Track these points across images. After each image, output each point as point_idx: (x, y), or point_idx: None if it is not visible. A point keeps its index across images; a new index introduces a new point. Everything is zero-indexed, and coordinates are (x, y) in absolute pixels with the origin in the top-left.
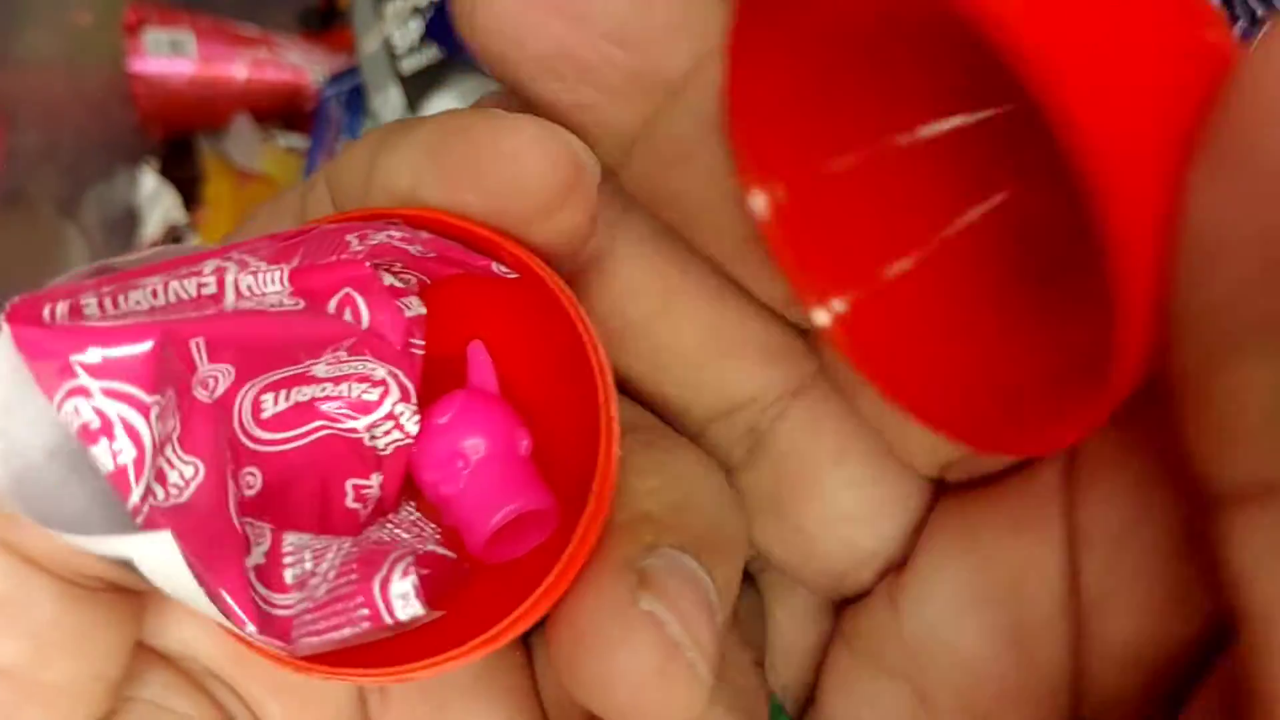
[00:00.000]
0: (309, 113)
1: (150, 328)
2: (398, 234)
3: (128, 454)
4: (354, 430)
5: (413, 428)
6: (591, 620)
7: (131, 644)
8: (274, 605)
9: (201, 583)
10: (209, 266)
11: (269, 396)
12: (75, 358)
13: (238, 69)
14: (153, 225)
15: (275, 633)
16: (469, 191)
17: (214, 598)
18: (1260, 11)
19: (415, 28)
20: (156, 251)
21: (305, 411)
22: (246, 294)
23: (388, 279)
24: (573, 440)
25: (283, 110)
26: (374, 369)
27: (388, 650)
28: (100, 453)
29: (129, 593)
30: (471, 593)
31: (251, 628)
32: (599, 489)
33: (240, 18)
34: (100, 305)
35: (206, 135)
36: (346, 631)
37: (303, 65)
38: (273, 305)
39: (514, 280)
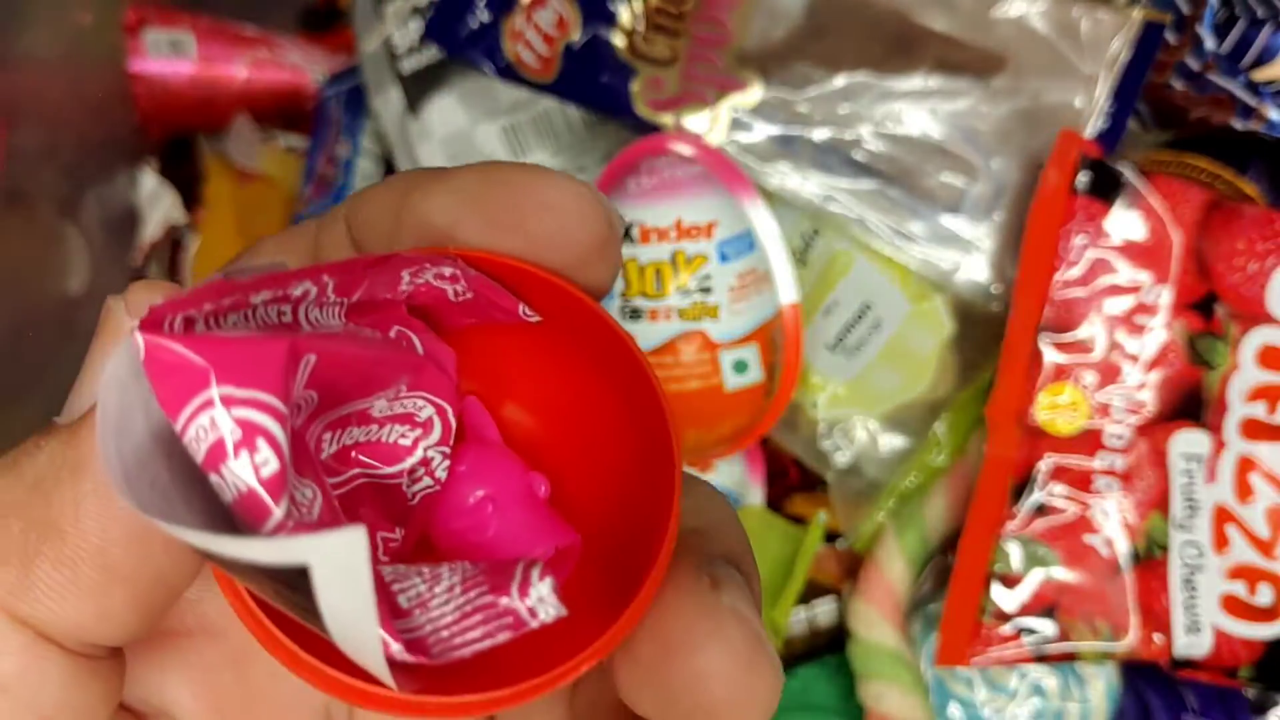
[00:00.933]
0: (309, 113)
1: (278, 339)
2: (448, 271)
3: (272, 465)
4: (394, 476)
5: (442, 474)
6: (679, 622)
7: (117, 706)
8: (404, 629)
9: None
10: (298, 289)
11: (329, 435)
12: (210, 367)
13: (238, 69)
14: (153, 225)
15: (418, 651)
16: (511, 238)
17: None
18: (1260, 12)
19: (415, 28)
20: (264, 265)
21: (345, 457)
22: (315, 324)
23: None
24: (594, 474)
25: (283, 110)
26: (422, 408)
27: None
28: (241, 467)
29: (121, 658)
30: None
31: (398, 646)
32: (674, 512)
33: (240, 18)
34: (205, 323)
35: (206, 135)
36: (486, 642)
37: (303, 65)
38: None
39: (526, 325)
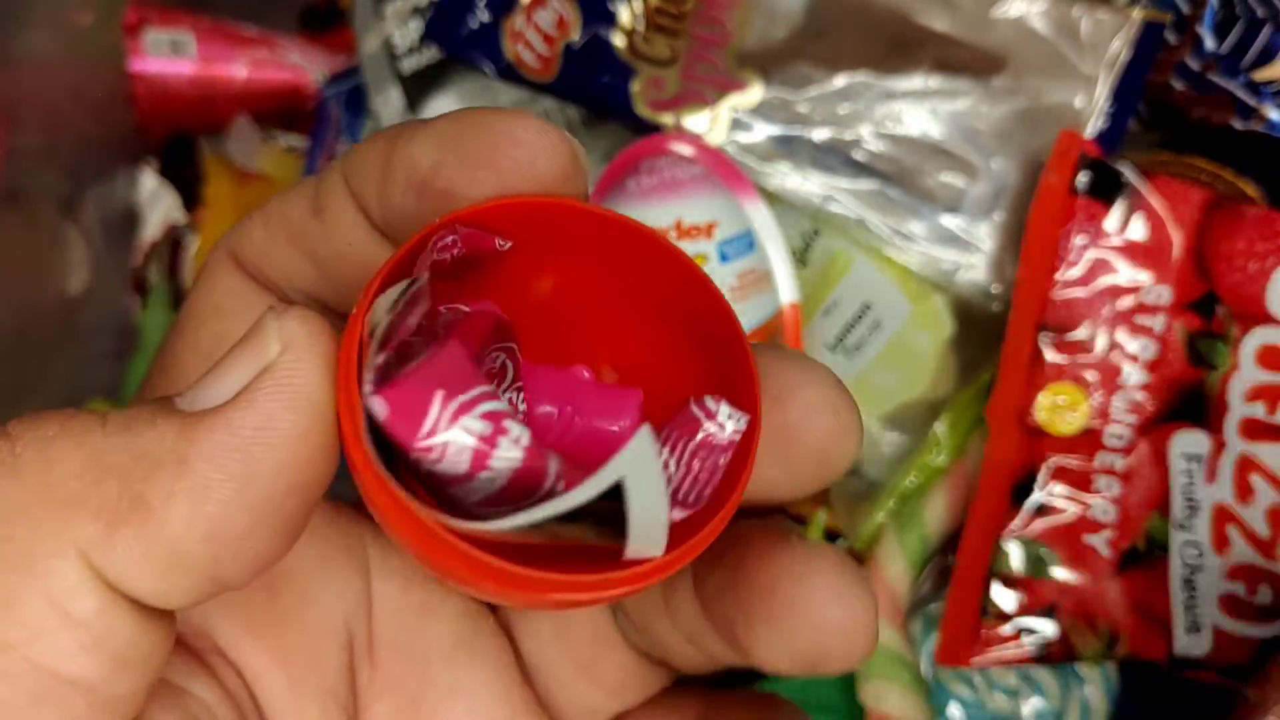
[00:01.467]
0: (309, 113)
1: (449, 341)
2: (449, 239)
3: (526, 435)
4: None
5: (523, 405)
6: (778, 376)
7: (173, 643)
8: None
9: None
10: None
11: None
12: (439, 388)
13: (238, 69)
14: (153, 225)
15: (685, 506)
16: (486, 172)
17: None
18: (1260, 12)
19: (415, 28)
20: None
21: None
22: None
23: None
24: (656, 361)
25: (283, 110)
26: (496, 357)
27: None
28: (506, 451)
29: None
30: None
31: (675, 510)
32: (749, 353)
33: (240, 18)
34: (400, 355)
35: (206, 135)
36: (716, 474)
37: (303, 65)
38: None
39: (532, 260)
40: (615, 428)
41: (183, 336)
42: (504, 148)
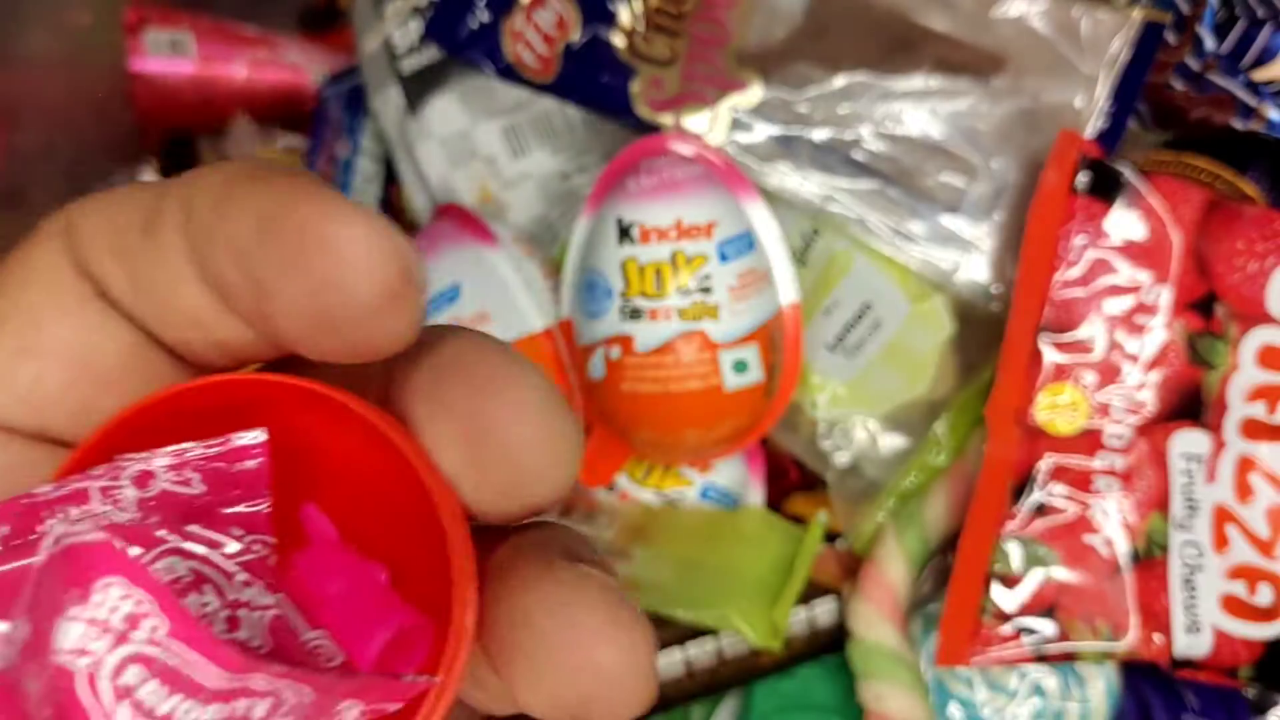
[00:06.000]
0: (309, 113)
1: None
2: (171, 474)
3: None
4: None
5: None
6: (491, 366)
7: None
8: None
9: None
10: None
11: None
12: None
13: (238, 69)
14: None
15: None
16: (295, 276)
17: None
18: (1260, 12)
19: (415, 28)
20: None
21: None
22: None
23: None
24: (428, 559)
25: (283, 110)
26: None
27: None
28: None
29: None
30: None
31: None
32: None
33: (240, 18)
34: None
35: (206, 135)
36: None
37: (303, 65)
38: None
39: (345, 424)
40: (365, 640)
41: None
42: (312, 252)
